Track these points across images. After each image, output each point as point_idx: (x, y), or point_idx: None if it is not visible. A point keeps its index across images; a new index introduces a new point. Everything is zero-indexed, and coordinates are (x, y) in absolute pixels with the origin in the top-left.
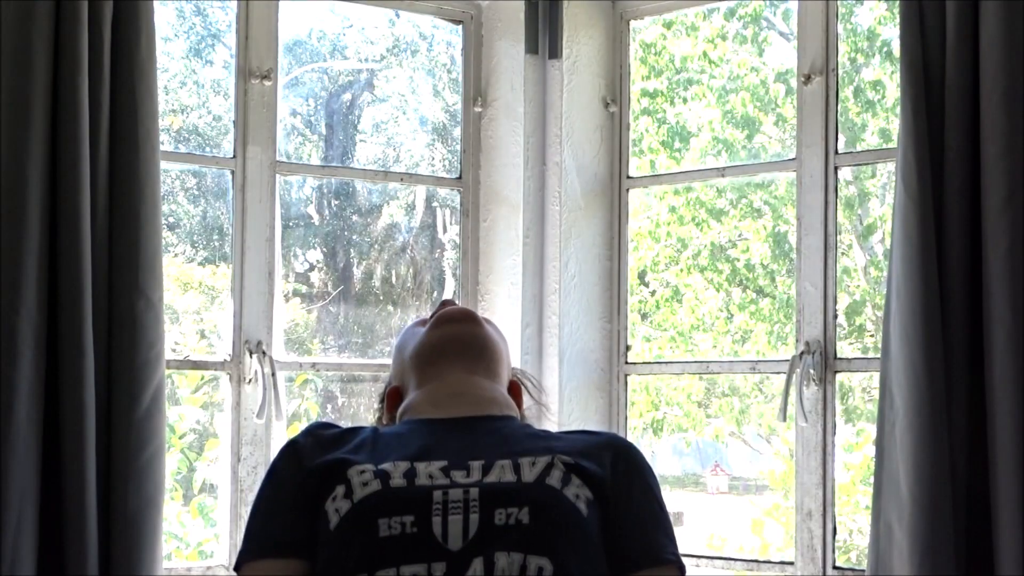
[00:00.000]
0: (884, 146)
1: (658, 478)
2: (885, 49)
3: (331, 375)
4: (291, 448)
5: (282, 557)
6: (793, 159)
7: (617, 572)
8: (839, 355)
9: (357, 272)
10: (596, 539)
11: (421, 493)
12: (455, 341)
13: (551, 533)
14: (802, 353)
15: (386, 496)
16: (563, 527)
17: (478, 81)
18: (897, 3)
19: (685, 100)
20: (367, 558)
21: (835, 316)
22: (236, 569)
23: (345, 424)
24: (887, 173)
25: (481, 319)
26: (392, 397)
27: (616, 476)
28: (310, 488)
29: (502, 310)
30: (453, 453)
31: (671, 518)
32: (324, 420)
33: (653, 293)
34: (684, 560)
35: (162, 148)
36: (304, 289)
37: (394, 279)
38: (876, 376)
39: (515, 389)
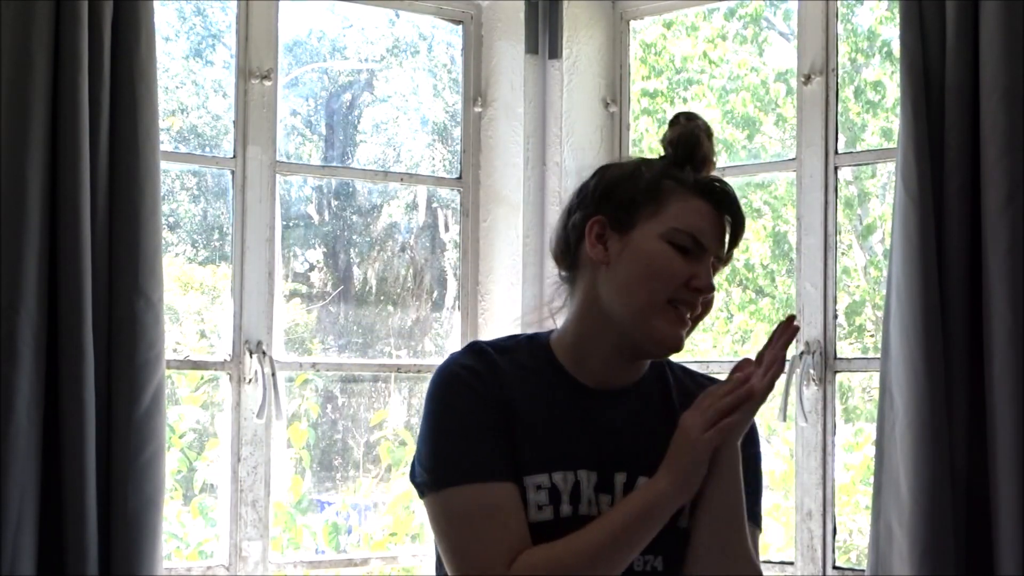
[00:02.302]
0: (884, 146)
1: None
2: (885, 49)
3: (331, 375)
4: (473, 378)
5: (509, 481)
6: (793, 159)
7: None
8: (839, 355)
9: (357, 272)
10: None
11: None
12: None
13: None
14: (802, 353)
15: (556, 528)
16: (680, 566)
17: (478, 81)
18: (897, 3)
19: (685, 100)
20: None
21: (835, 316)
22: (439, 488)
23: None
24: (887, 173)
25: None
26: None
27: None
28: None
29: (502, 310)
30: (603, 459)
31: None
32: (479, 351)
33: None
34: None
35: (162, 148)
36: (304, 289)
37: (394, 279)
38: (876, 376)
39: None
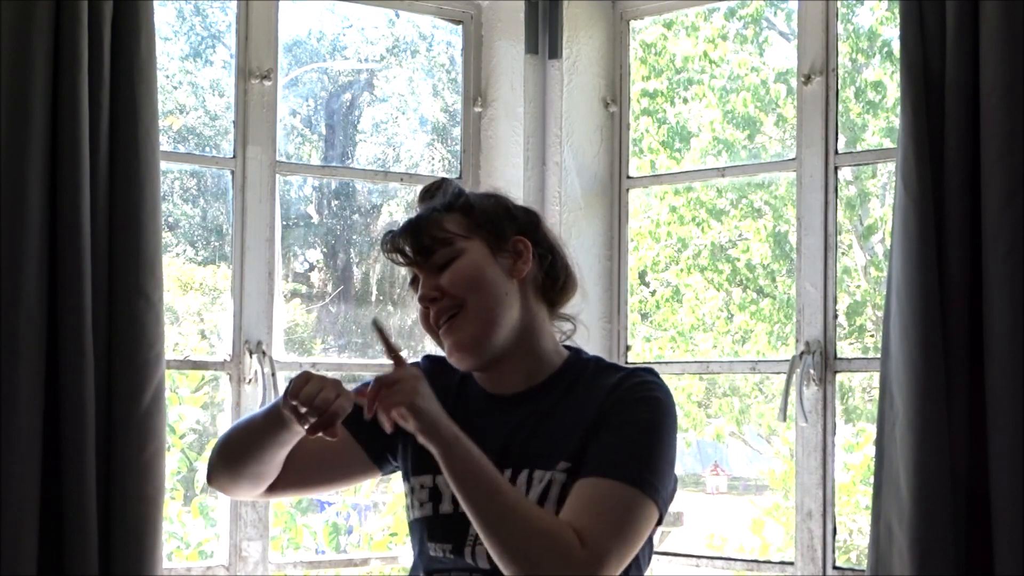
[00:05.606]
0: (884, 146)
1: (659, 413)
2: (885, 49)
3: (331, 375)
4: None
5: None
6: (793, 159)
7: None
8: (839, 355)
9: (357, 272)
10: None
11: (459, 525)
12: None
13: None
14: (802, 353)
15: (433, 524)
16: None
17: (478, 81)
18: (897, 3)
19: (685, 100)
20: (424, 563)
21: (835, 316)
22: None
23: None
24: (887, 173)
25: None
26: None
27: (593, 431)
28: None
29: None
30: (496, 453)
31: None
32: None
33: (653, 293)
34: (684, 560)
35: (162, 148)
36: (304, 289)
37: (394, 279)
38: (876, 376)
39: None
